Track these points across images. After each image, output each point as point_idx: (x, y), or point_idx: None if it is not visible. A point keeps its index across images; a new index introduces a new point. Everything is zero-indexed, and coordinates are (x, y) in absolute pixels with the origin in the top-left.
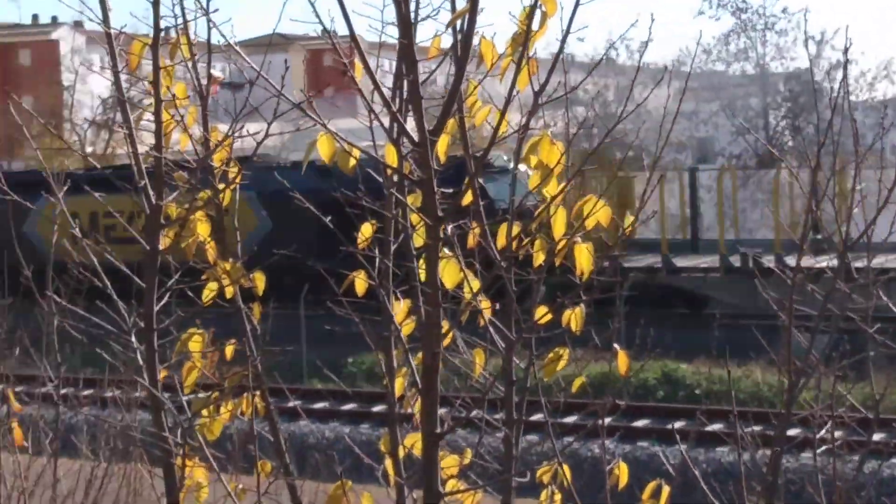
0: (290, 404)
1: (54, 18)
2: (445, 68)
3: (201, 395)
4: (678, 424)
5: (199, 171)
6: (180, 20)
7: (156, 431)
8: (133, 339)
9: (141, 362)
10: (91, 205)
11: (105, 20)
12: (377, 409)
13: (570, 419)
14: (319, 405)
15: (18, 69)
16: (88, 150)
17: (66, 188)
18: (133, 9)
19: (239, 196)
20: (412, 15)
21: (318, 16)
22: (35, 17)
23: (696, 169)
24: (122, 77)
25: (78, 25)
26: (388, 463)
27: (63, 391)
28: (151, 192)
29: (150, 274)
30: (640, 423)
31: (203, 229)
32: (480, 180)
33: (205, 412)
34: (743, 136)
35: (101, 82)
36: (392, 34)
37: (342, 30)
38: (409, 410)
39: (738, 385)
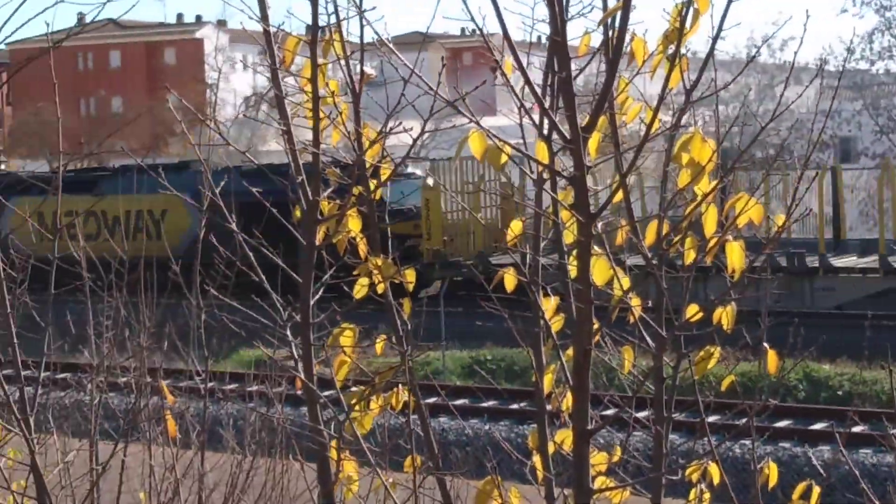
0: (431, 400)
1: (198, 17)
2: (585, 66)
3: (353, 389)
4: (820, 426)
5: (356, 167)
6: (333, 18)
7: (312, 425)
8: (288, 332)
9: (296, 356)
10: (51, 205)
11: (264, 17)
12: (517, 406)
13: (713, 418)
14: (459, 402)
15: (163, 68)
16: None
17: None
18: (276, 7)
19: (175, 199)
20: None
21: (470, 14)
22: (180, 16)
23: (839, 168)
24: (268, 74)
25: (221, 24)
26: (537, 459)
27: (209, 385)
28: (308, 188)
29: (306, 268)
30: (781, 424)
31: (354, 225)
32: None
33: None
34: (886, 136)
35: (243, 80)
36: (541, 31)
37: (483, 28)
38: (557, 407)
39: (883, 386)
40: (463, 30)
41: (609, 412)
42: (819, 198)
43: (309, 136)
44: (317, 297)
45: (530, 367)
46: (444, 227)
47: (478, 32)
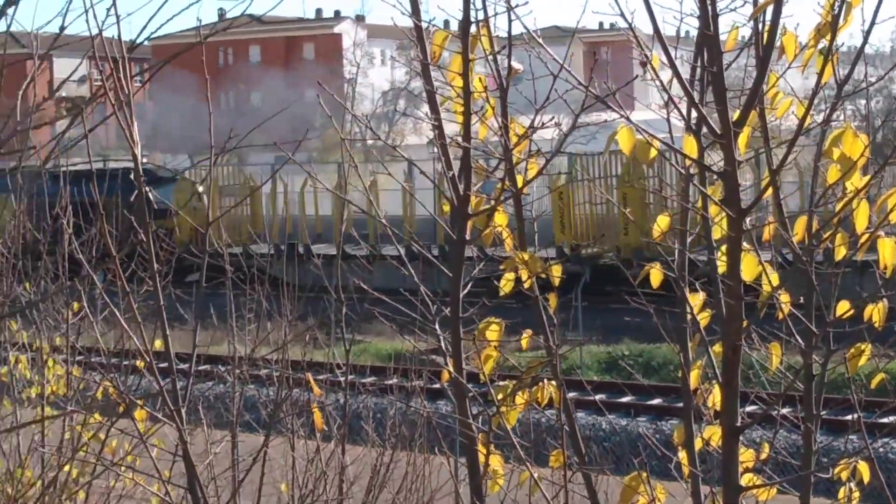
0: (572, 395)
1: (337, 12)
2: (734, 59)
3: (500, 383)
4: None
5: (507, 162)
6: (482, 14)
7: (460, 418)
8: (437, 326)
9: (446, 349)
10: None
11: (415, 12)
12: (658, 402)
13: (852, 415)
14: (598, 396)
15: (302, 62)
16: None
17: None
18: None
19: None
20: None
21: (620, 9)
22: (318, 11)
23: None
24: (407, 69)
25: (359, 19)
26: (682, 455)
27: (350, 378)
28: (459, 183)
29: (456, 262)
30: None
31: (501, 219)
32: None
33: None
34: None
35: (381, 75)
36: (688, 24)
37: (622, 23)
38: (702, 403)
39: None
40: (601, 24)
41: (752, 408)
42: None
43: (452, 130)
44: (466, 290)
45: (669, 362)
46: (198, 222)
47: (619, 27)
